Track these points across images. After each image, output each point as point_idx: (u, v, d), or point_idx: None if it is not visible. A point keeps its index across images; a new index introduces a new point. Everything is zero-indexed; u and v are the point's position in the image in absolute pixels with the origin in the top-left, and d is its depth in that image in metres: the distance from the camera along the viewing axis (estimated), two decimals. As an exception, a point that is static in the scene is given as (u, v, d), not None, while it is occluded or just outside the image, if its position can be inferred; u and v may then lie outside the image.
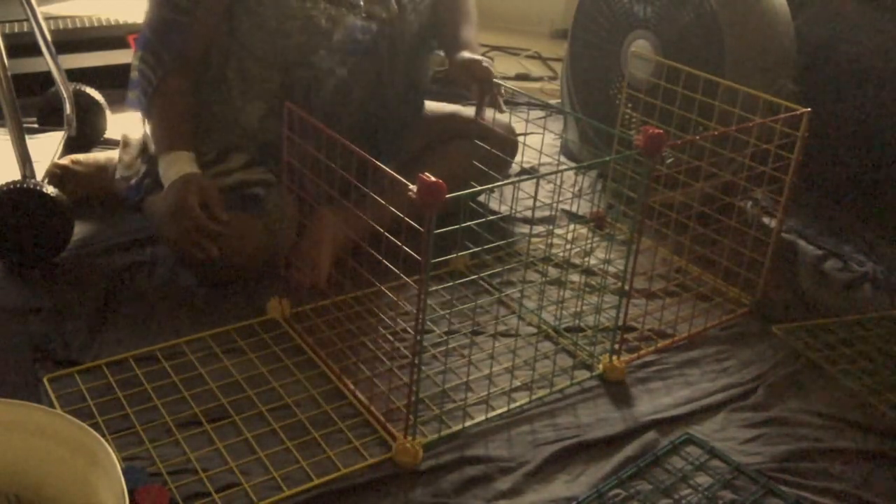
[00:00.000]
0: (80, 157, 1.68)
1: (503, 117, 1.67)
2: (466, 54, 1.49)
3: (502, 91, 1.52)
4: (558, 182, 1.87)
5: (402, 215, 1.03)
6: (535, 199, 1.26)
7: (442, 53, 2.58)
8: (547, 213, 1.78)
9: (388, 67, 1.56)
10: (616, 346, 1.32)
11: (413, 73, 1.64)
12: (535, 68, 2.75)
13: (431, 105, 1.74)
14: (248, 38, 1.46)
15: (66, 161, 1.65)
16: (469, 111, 1.69)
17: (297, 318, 1.37)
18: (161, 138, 1.44)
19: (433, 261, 1.01)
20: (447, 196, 0.97)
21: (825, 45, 1.90)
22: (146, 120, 1.50)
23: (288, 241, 1.42)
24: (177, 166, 1.39)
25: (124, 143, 1.61)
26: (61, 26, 2.19)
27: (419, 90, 1.68)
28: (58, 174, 1.62)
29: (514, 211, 1.70)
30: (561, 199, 1.81)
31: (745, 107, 1.46)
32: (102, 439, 0.90)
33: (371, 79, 1.55)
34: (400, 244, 1.05)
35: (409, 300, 1.43)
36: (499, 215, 1.68)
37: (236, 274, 1.43)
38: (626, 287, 1.27)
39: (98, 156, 1.71)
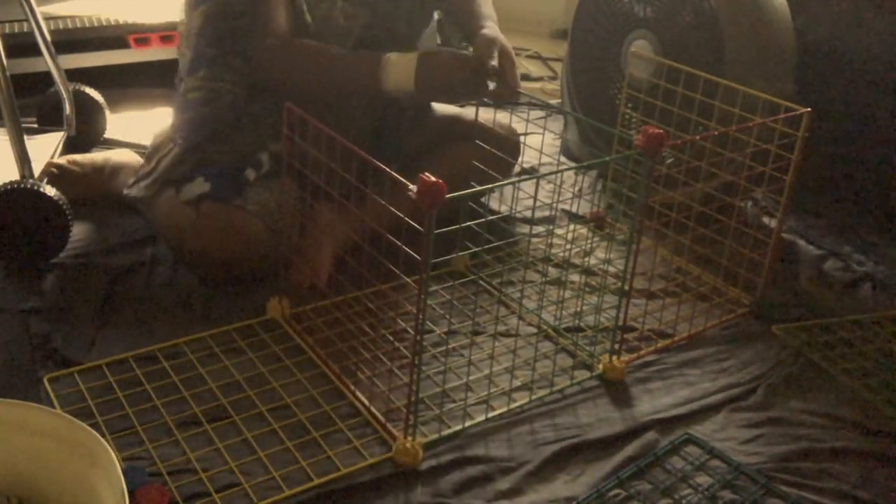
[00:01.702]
0: (77, 157, 1.68)
1: (504, 118, 1.67)
2: (489, 32, 1.46)
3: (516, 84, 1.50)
4: (558, 182, 1.87)
5: (402, 215, 1.03)
6: (535, 199, 1.25)
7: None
8: (547, 213, 1.78)
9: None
10: (616, 346, 1.32)
11: None
12: (535, 68, 2.75)
13: (434, 106, 1.74)
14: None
15: (63, 161, 1.65)
16: (470, 114, 1.69)
17: (297, 318, 1.37)
18: (347, 62, 1.44)
19: (433, 261, 1.01)
20: (447, 196, 0.97)
21: (825, 45, 1.90)
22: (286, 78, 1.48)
23: (288, 237, 1.42)
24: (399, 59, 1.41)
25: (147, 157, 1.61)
26: (61, 26, 2.19)
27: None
28: (56, 174, 1.62)
29: (514, 211, 1.70)
30: (561, 199, 1.81)
31: (745, 107, 1.46)
32: (102, 439, 0.90)
33: None
34: (400, 244, 1.05)
35: (409, 300, 1.43)
36: (499, 215, 1.68)
37: (238, 272, 1.43)
38: (626, 287, 1.27)
39: (95, 156, 1.71)
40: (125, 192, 1.59)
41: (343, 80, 1.45)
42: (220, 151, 1.50)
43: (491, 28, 1.49)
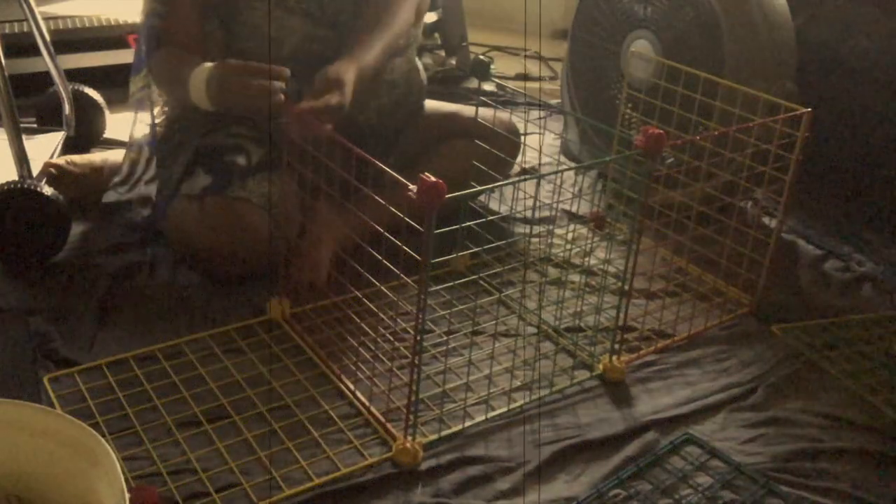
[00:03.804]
0: (76, 157, 1.68)
1: (505, 115, 1.66)
2: (342, 73, 1.34)
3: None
4: (558, 182, 1.87)
5: (402, 215, 1.03)
6: (535, 199, 1.25)
7: (443, 53, 2.57)
8: (547, 213, 1.78)
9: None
10: (616, 346, 1.32)
11: (388, 73, 1.60)
12: (535, 68, 2.75)
13: (432, 104, 1.73)
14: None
15: (61, 162, 1.65)
16: (469, 110, 1.69)
17: (297, 318, 1.37)
18: (177, 76, 1.42)
19: (433, 261, 1.01)
20: (447, 196, 0.97)
21: (825, 45, 1.90)
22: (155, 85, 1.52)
23: (288, 235, 1.42)
24: (199, 71, 1.37)
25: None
26: (61, 26, 2.19)
27: (409, 92, 1.66)
28: (54, 174, 1.62)
29: (513, 211, 1.70)
30: (561, 199, 1.81)
31: (745, 107, 1.46)
32: (102, 439, 0.90)
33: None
34: (400, 244, 1.05)
35: (409, 300, 1.43)
36: (499, 215, 1.68)
37: (244, 267, 1.43)
38: (626, 287, 1.27)
39: (93, 157, 1.71)
40: (105, 199, 1.60)
41: (181, 94, 1.42)
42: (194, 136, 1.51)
43: (348, 63, 1.36)
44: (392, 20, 1.49)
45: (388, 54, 1.50)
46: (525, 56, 2.85)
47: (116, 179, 1.58)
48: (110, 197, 1.59)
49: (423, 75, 1.69)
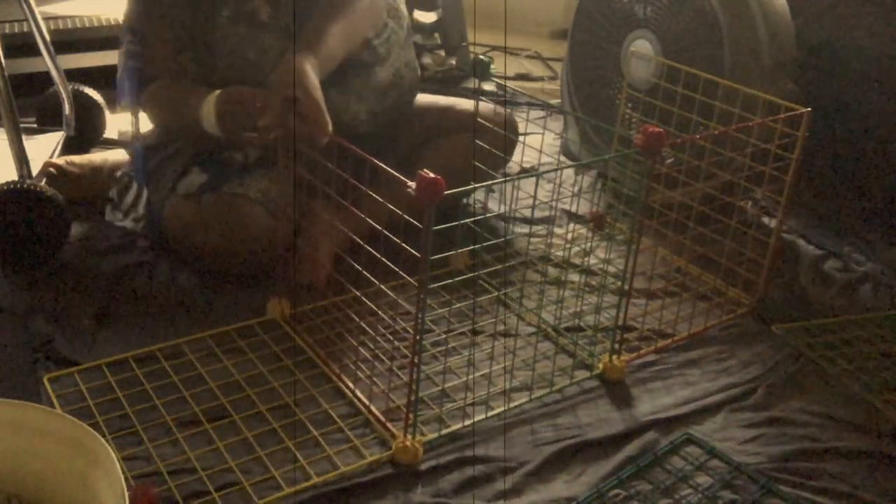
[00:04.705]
0: (76, 158, 1.68)
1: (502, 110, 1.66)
2: (300, 67, 1.27)
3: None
4: (558, 181, 1.87)
5: (400, 213, 1.03)
6: (534, 198, 1.25)
7: (443, 53, 2.57)
8: (547, 212, 1.78)
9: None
10: (616, 346, 1.32)
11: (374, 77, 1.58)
12: (535, 68, 2.75)
13: (427, 98, 1.72)
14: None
15: (61, 162, 1.65)
16: (465, 104, 1.68)
17: (297, 319, 1.37)
18: (181, 105, 1.42)
19: (432, 258, 1.01)
20: (446, 193, 0.97)
21: (825, 45, 1.90)
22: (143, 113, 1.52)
23: (287, 234, 1.42)
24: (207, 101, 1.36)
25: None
26: (61, 26, 2.19)
27: (400, 95, 1.64)
28: (54, 175, 1.62)
29: (513, 210, 1.69)
30: (560, 198, 1.80)
31: (745, 107, 1.46)
32: (102, 439, 0.90)
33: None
34: (399, 242, 1.05)
35: (409, 299, 1.43)
36: (498, 213, 1.68)
37: (244, 263, 1.43)
38: (626, 287, 1.27)
39: (93, 157, 1.71)
40: (107, 218, 1.60)
41: (189, 125, 1.41)
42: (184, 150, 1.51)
43: (302, 55, 1.30)
44: (346, 10, 1.44)
45: (350, 41, 1.46)
46: (534, 55, 2.86)
47: (111, 195, 1.59)
48: (108, 216, 1.59)
49: (418, 73, 1.69)
